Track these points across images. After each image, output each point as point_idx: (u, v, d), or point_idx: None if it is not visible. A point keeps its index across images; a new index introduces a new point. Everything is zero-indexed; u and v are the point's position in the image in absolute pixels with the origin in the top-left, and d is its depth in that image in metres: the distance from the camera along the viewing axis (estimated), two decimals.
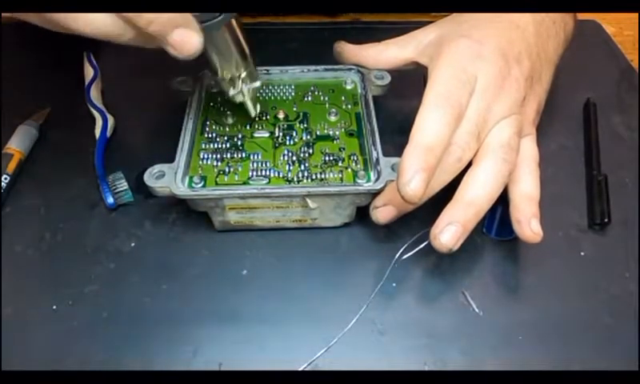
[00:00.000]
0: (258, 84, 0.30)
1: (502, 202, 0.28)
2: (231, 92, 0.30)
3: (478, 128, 0.27)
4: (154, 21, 0.22)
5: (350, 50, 0.35)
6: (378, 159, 0.29)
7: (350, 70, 0.35)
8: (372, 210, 0.28)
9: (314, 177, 0.29)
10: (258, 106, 0.32)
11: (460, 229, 0.26)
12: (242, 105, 0.31)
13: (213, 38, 0.26)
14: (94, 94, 0.37)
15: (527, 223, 0.26)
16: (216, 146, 0.31)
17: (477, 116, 0.27)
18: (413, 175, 0.24)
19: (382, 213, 0.28)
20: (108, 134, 0.35)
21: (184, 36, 0.23)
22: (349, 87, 0.35)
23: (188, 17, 0.23)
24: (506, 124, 0.28)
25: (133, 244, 0.30)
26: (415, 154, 0.25)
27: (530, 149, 0.29)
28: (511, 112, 0.28)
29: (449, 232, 0.25)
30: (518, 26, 0.30)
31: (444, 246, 0.25)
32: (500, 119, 0.28)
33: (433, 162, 0.25)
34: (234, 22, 0.27)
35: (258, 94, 0.34)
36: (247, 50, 0.29)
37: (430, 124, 0.25)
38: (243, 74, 0.29)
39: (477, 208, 0.26)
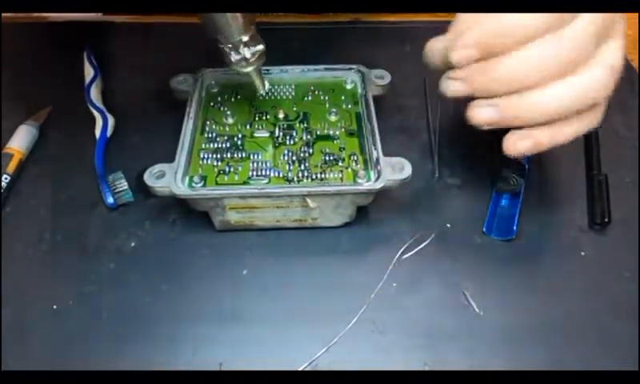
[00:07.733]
0: (261, 47, 0.29)
1: (502, 197, 0.28)
2: (234, 57, 0.28)
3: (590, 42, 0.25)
4: None
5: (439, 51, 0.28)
6: (378, 159, 0.29)
7: (350, 69, 0.35)
8: (443, 79, 0.26)
9: (314, 176, 0.29)
10: (267, 84, 0.30)
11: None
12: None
13: None
14: (94, 94, 0.37)
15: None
16: (216, 145, 0.31)
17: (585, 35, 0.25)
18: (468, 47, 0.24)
19: (455, 85, 0.26)
20: (108, 133, 0.35)
21: None
22: (349, 87, 0.35)
23: None
24: (615, 47, 0.26)
25: (133, 244, 0.30)
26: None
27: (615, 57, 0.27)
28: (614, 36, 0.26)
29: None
30: None
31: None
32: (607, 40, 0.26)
33: (493, 45, 0.24)
34: None
35: (258, 94, 0.34)
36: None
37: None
38: (245, 38, 0.27)
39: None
